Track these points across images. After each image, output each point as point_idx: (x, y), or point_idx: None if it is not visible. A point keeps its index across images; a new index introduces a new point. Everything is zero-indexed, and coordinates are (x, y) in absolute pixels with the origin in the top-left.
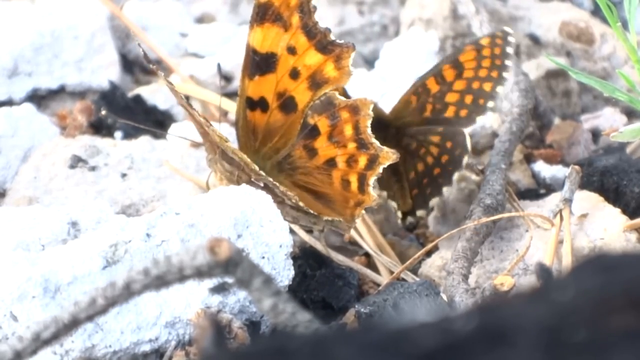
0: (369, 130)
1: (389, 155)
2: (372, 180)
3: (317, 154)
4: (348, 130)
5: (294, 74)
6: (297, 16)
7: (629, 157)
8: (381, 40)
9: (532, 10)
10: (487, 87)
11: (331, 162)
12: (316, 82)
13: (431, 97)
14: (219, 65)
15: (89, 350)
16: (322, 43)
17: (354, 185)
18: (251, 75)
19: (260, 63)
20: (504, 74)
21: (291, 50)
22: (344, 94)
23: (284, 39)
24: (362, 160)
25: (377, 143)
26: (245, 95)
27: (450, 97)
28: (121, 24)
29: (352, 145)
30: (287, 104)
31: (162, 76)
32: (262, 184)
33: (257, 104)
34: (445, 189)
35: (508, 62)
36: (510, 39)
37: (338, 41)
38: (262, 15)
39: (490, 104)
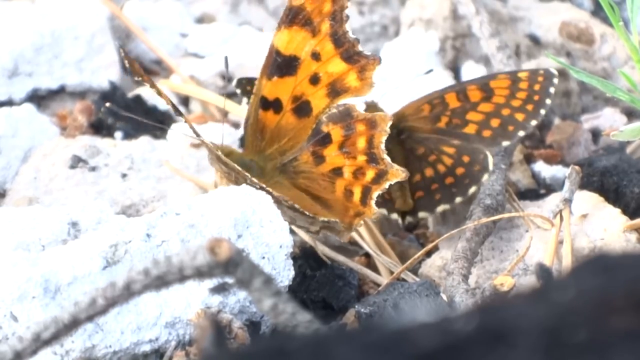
0: (382, 146)
1: (398, 173)
2: (375, 194)
3: (325, 161)
4: (361, 143)
5: (314, 80)
6: (328, 23)
7: (629, 158)
8: (381, 41)
9: (532, 11)
10: (519, 117)
11: (337, 171)
12: (336, 90)
13: (449, 111)
14: (226, 58)
15: (89, 350)
16: (349, 52)
17: (357, 196)
18: (270, 76)
19: (281, 65)
20: (541, 111)
21: (315, 56)
22: (375, 106)
23: (310, 44)
24: (370, 174)
25: (388, 159)
26: (260, 95)
27: (473, 116)
28: (121, 24)
29: (362, 158)
30: (302, 107)
31: (154, 86)
32: (257, 187)
33: (270, 105)
34: (458, 199)
35: (548, 101)
36: (555, 80)
37: (365, 52)
38: (292, 18)
39: (521, 133)
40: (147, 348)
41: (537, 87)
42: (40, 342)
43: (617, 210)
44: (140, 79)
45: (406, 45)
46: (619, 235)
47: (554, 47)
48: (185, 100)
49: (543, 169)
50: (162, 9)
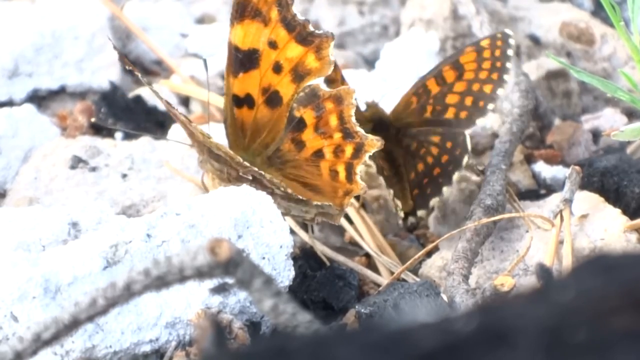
0: (353, 119)
1: (374, 143)
2: (358, 168)
3: (305, 146)
4: (333, 121)
5: (277, 68)
6: (276, 10)
7: (629, 158)
8: (381, 41)
9: (532, 11)
10: (487, 89)
11: (319, 154)
12: (299, 74)
13: (431, 98)
14: (205, 61)
15: (90, 350)
16: (302, 35)
17: (342, 174)
18: (235, 73)
19: (243, 60)
20: (505, 76)
21: (272, 45)
22: (342, 79)
23: (264, 34)
24: (349, 150)
25: (361, 131)
26: (231, 94)
27: (451, 99)
28: (122, 25)
29: (337, 135)
30: (272, 98)
31: (145, 80)
32: (250, 177)
33: (243, 101)
34: (445, 189)
35: (508, 65)
36: (511, 41)
37: (317, 31)
38: (242, 12)
39: (490, 106)
40: (147, 348)
41: (497, 52)
42: (40, 343)
43: (618, 211)
44: (133, 70)
45: (406, 46)
46: (619, 235)
47: (554, 48)
48: (186, 101)
49: (543, 169)
50: (162, 9)
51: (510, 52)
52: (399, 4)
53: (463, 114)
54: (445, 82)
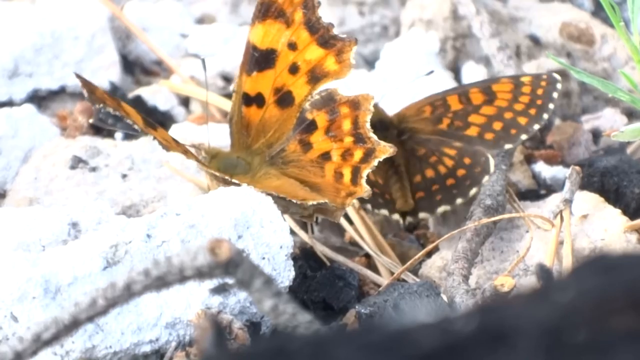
0: (367, 125)
1: (385, 149)
2: (365, 172)
3: (312, 148)
4: (346, 125)
5: (293, 69)
6: (301, 12)
7: (629, 158)
8: (382, 41)
9: (532, 11)
10: (522, 120)
11: (326, 156)
12: (315, 76)
13: (451, 113)
14: (203, 61)
15: (90, 351)
16: (324, 38)
17: (347, 177)
18: (249, 72)
19: (259, 59)
20: (544, 115)
21: (292, 46)
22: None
23: (285, 35)
24: (358, 154)
25: (374, 137)
26: (241, 92)
27: (475, 118)
28: (122, 25)
29: (348, 140)
30: (284, 98)
31: (119, 107)
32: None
33: (253, 100)
34: (459, 200)
35: (551, 106)
36: (558, 85)
37: (340, 35)
38: (265, 12)
39: (523, 136)
40: (147, 349)
41: (540, 91)
42: (40, 343)
43: (618, 211)
44: (102, 105)
45: (406, 46)
46: (619, 235)
47: (554, 48)
48: (186, 101)
49: (543, 169)
50: (162, 9)
51: (555, 94)
52: (399, 4)
53: (489, 136)
54: (470, 102)
